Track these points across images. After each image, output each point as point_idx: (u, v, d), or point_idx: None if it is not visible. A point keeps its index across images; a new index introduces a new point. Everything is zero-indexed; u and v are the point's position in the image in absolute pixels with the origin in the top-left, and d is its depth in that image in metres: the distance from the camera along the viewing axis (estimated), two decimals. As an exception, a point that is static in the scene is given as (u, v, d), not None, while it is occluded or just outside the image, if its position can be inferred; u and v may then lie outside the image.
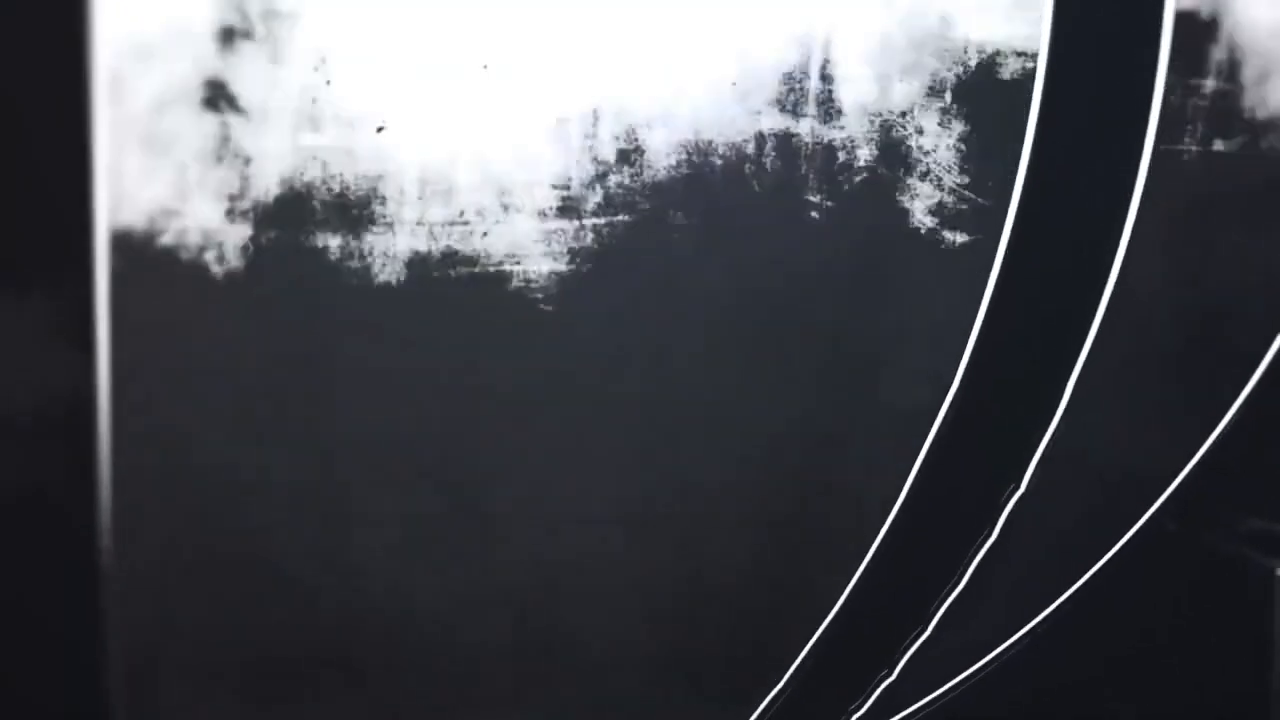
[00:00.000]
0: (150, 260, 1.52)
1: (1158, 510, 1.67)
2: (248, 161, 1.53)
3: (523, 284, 1.58)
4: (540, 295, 1.58)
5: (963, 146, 1.62)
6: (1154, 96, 1.64)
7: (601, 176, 1.57)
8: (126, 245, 1.51)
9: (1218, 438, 1.68)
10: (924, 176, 1.62)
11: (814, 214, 1.60)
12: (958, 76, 1.61)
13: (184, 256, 1.53)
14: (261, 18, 1.52)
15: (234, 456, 1.55)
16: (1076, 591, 1.67)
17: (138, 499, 1.53)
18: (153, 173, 1.52)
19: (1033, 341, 1.65)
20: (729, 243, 1.59)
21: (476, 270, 1.57)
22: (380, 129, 1.55)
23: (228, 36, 1.51)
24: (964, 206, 1.62)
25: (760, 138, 1.59)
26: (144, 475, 1.53)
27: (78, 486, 1.54)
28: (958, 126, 1.62)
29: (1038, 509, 1.65)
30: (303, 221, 1.54)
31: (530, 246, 1.58)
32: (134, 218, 1.52)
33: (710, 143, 1.58)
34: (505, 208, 1.57)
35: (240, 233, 1.54)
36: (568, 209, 1.58)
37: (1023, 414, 1.66)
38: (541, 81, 1.56)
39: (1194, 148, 1.65)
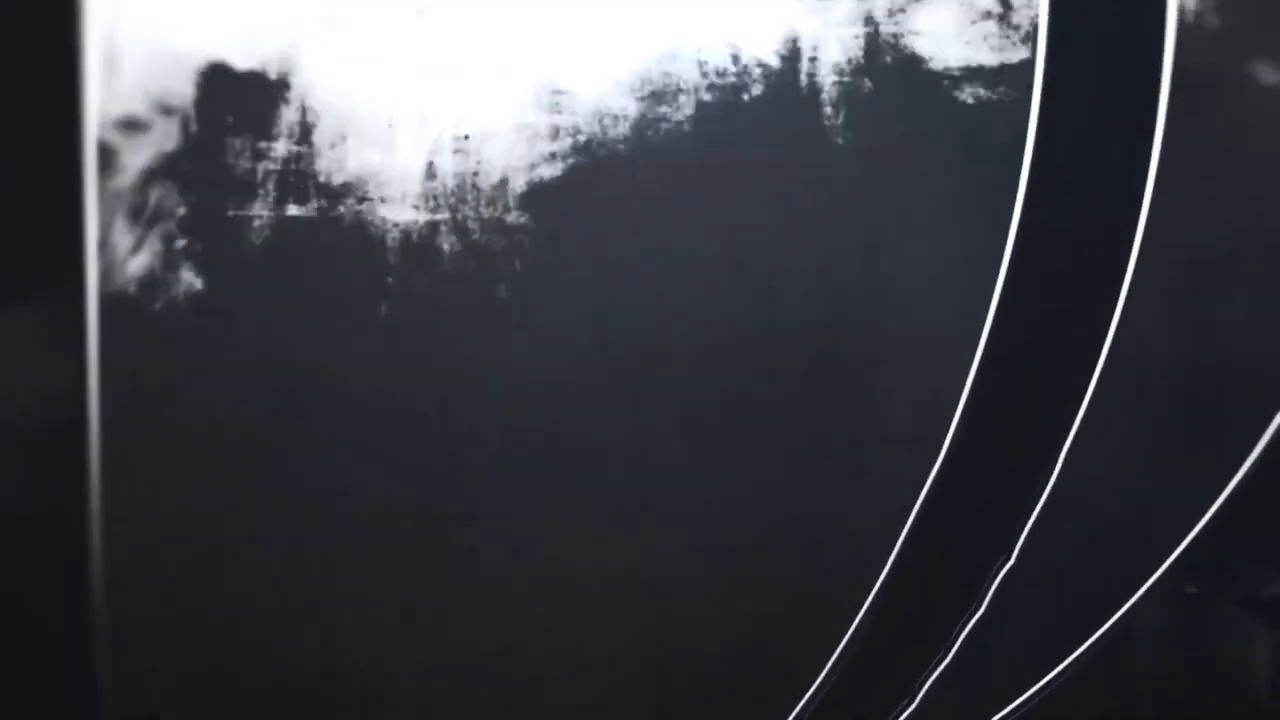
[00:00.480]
0: (141, 327, 1.55)
1: (1157, 580, 1.63)
2: (235, 230, 1.56)
3: (502, 347, 1.59)
4: (516, 364, 1.59)
5: (950, 209, 1.60)
6: (1152, 156, 1.60)
7: (572, 246, 1.58)
8: (118, 312, 1.55)
9: (1222, 505, 1.63)
10: (916, 237, 1.60)
11: (795, 276, 1.60)
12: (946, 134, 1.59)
13: (172, 323, 1.56)
14: (245, 91, 1.55)
15: (221, 523, 1.58)
16: (1069, 664, 1.63)
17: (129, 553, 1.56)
18: (142, 242, 1.55)
19: (1024, 408, 1.62)
20: (701, 318, 1.59)
21: (456, 336, 1.59)
22: (362, 199, 1.57)
23: (213, 109, 1.54)
24: (953, 268, 1.60)
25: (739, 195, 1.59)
26: (135, 534, 1.57)
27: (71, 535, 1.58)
28: (947, 188, 1.60)
29: (1028, 580, 1.62)
30: (287, 288, 1.57)
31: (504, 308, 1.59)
32: (125, 285, 1.56)
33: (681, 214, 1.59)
34: (485, 272, 1.58)
35: (227, 299, 1.57)
36: (542, 274, 1.59)
37: (1013, 484, 1.63)
38: (519, 150, 1.57)
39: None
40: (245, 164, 1.55)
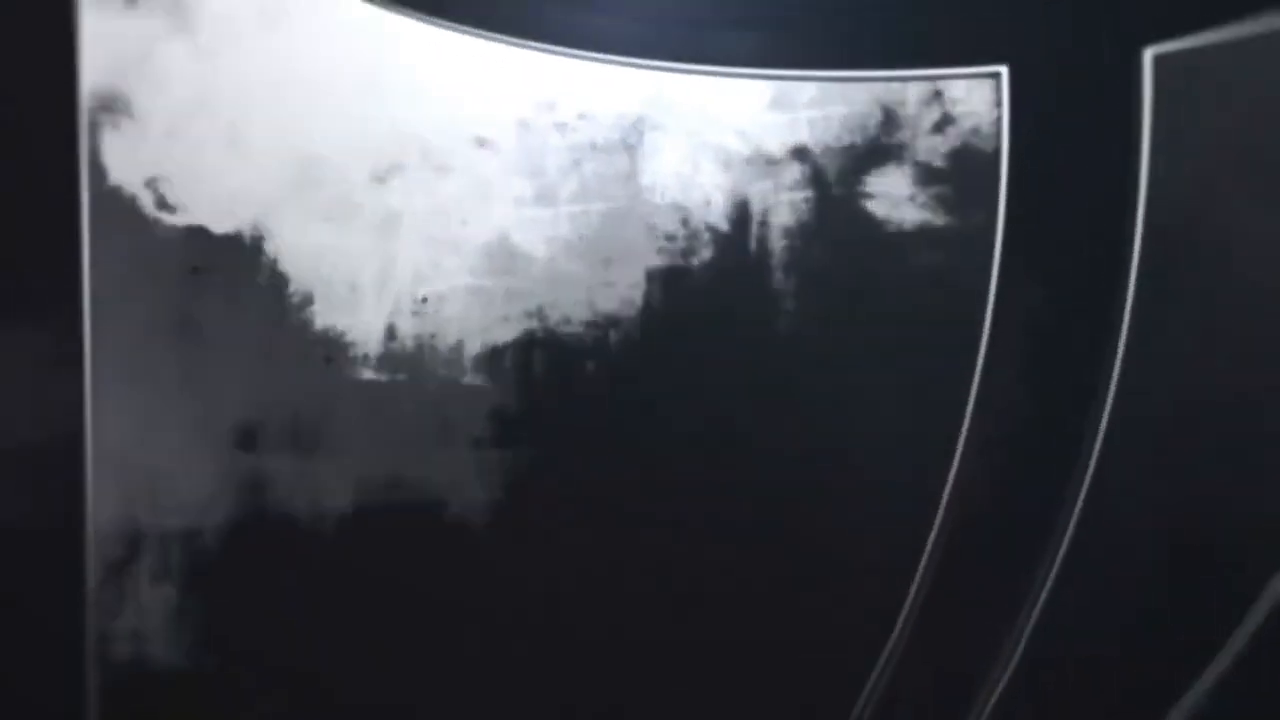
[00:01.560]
0: (129, 477, 1.63)
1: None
2: (213, 389, 1.63)
3: (460, 511, 1.61)
4: (476, 523, 1.61)
5: (908, 371, 1.57)
6: (1123, 320, 1.54)
7: (536, 401, 1.60)
8: (106, 463, 1.63)
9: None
10: (874, 398, 1.57)
11: (755, 440, 1.58)
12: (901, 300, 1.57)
13: (160, 475, 1.63)
14: (224, 251, 1.62)
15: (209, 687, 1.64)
16: None
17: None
18: (131, 400, 1.64)
19: (989, 572, 1.57)
20: (659, 478, 1.59)
21: (416, 496, 1.62)
22: (328, 360, 1.62)
23: (195, 271, 1.62)
24: (911, 428, 1.57)
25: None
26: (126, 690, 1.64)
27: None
28: (905, 350, 1.57)
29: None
30: (260, 446, 1.63)
31: (466, 474, 1.61)
32: (115, 441, 1.64)
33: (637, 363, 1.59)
34: (442, 437, 1.61)
35: (205, 458, 1.63)
36: (504, 436, 1.61)
37: (975, 655, 1.57)
38: (475, 310, 1.60)
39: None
40: (225, 325, 1.62)
